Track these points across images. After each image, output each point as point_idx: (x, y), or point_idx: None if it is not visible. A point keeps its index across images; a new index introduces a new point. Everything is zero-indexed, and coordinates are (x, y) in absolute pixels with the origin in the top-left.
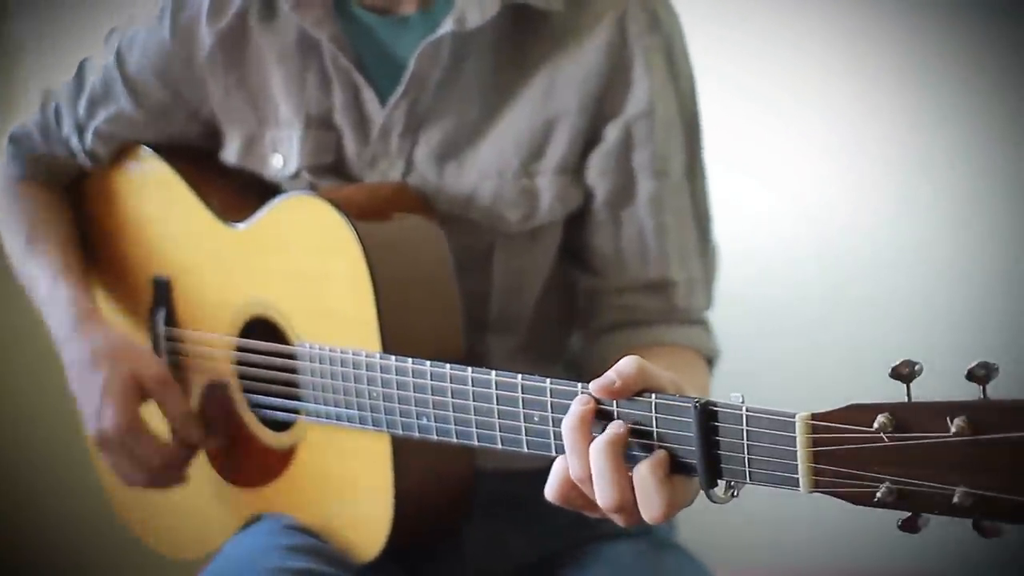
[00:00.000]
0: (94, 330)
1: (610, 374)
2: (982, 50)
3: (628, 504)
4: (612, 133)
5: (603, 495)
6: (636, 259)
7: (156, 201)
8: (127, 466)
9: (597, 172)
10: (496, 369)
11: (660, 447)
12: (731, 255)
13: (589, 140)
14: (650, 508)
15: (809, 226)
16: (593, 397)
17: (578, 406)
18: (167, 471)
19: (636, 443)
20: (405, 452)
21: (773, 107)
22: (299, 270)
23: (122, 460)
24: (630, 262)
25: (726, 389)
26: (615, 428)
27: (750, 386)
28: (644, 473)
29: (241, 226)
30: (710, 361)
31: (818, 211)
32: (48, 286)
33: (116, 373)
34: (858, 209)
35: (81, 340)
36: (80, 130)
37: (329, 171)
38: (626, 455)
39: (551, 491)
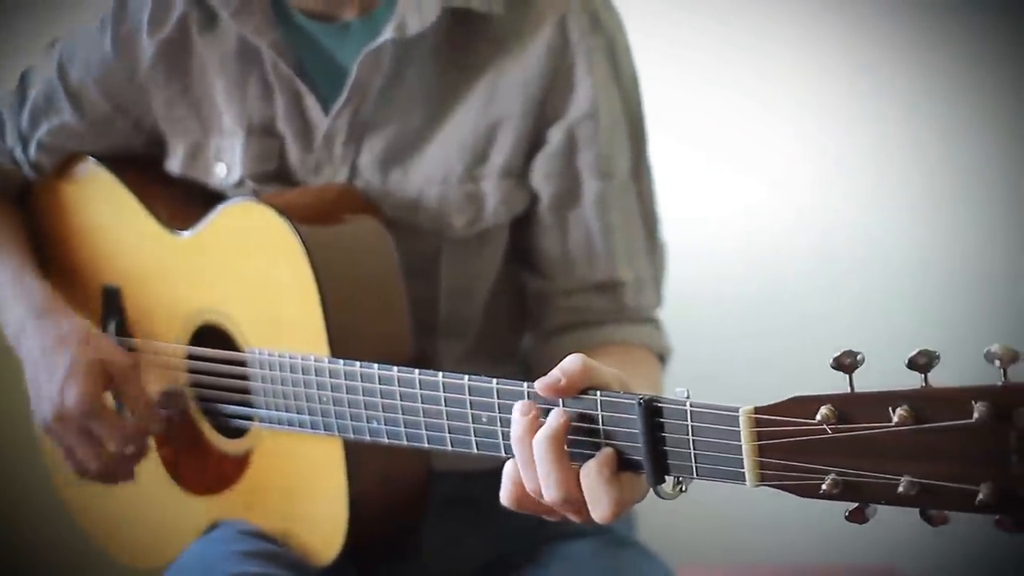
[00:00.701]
0: (61, 317)
1: (555, 372)
2: (980, 47)
3: (574, 499)
4: (556, 136)
5: (549, 491)
6: (584, 260)
7: (103, 211)
8: (82, 450)
9: (542, 175)
10: (447, 372)
11: (607, 444)
12: (701, 252)
13: (533, 143)
14: (598, 507)
15: (778, 223)
16: (536, 405)
17: (520, 416)
18: (121, 460)
19: (583, 441)
20: (358, 455)
21: (750, 99)
22: (246, 276)
23: (79, 442)
24: (578, 263)
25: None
26: (555, 418)
27: (726, 382)
28: (591, 472)
29: (186, 234)
30: (662, 358)
31: (789, 208)
32: (12, 280)
33: (83, 355)
34: (828, 206)
35: (46, 326)
36: (24, 142)
37: (272, 178)
38: (573, 453)
39: (506, 496)
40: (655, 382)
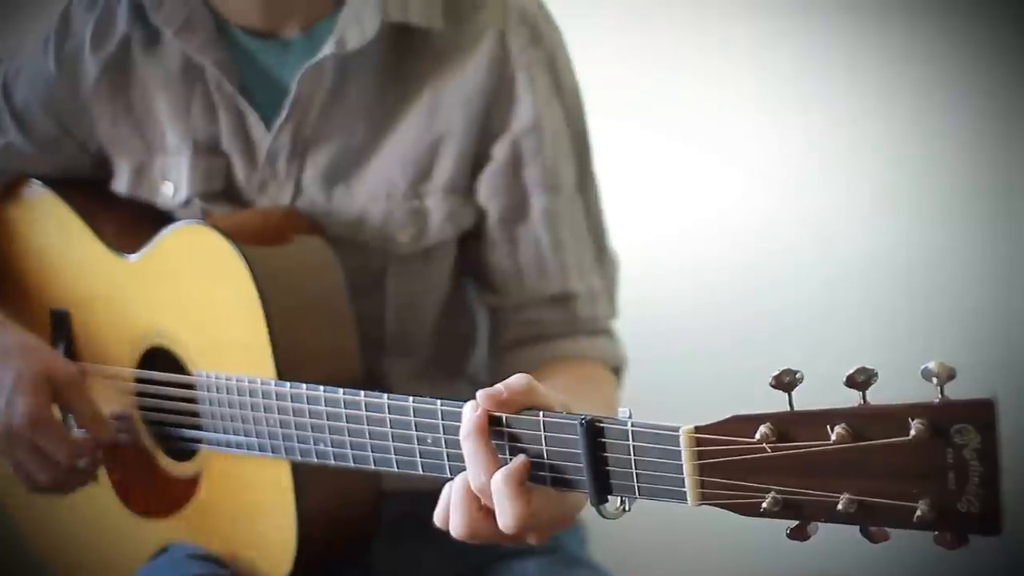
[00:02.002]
0: (3, 331)
1: (499, 386)
2: (981, 47)
3: (526, 522)
4: (500, 151)
5: (475, 479)
6: (535, 274)
7: (50, 234)
8: (32, 464)
9: (488, 191)
10: (397, 390)
11: (550, 464)
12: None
13: (477, 159)
14: (503, 516)
15: (725, 241)
16: (483, 405)
17: (470, 413)
18: (73, 470)
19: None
20: (306, 476)
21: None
22: (192, 299)
23: (28, 457)
24: (529, 277)
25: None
26: (517, 461)
27: (676, 396)
28: (497, 480)
29: (133, 257)
30: (617, 371)
31: (734, 228)
32: None
33: (28, 368)
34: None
35: None
36: None
37: (220, 197)
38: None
39: (438, 516)
40: (608, 396)
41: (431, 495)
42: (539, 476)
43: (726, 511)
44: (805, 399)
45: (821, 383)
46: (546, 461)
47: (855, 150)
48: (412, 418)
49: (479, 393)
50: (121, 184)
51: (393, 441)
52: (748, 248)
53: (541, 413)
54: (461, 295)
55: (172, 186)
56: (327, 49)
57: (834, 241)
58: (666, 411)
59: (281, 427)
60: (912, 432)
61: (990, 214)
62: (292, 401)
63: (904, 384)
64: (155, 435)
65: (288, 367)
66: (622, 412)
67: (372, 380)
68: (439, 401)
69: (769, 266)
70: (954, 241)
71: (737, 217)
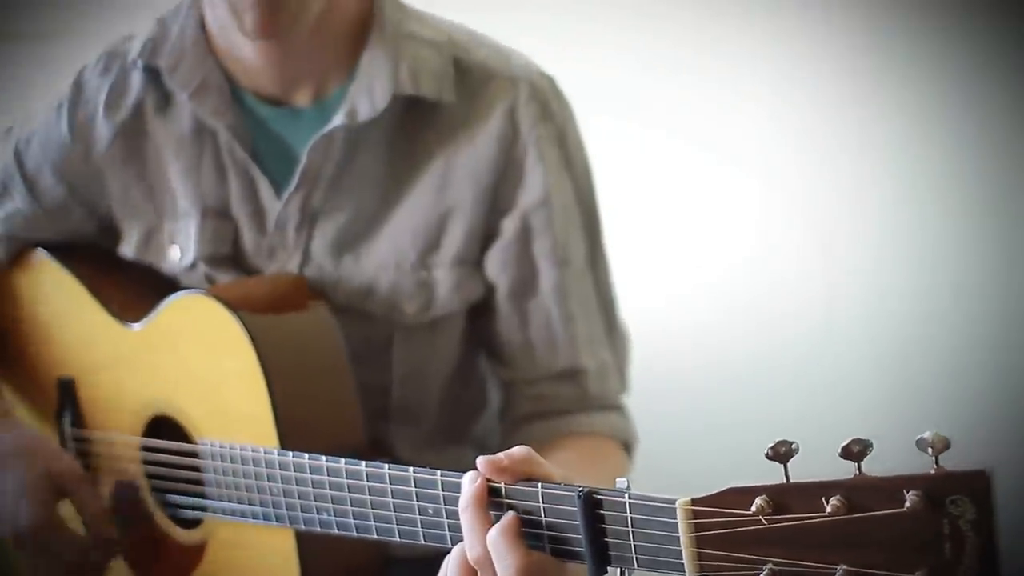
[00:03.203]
0: (5, 429)
1: (500, 454)
2: (982, 49)
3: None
4: (510, 225)
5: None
6: (545, 349)
7: (56, 302)
8: (45, 564)
9: (498, 265)
10: (402, 457)
11: (549, 535)
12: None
13: (486, 233)
14: (504, 571)
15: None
16: (483, 475)
17: (468, 485)
18: (85, 568)
19: (527, 532)
20: (310, 544)
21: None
22: (196, 369)
23: (40, 558)
24: (540, 352)
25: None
26: (507, 516)
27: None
28: (493, 535)
29: (137, 326)
30: (628, 446)
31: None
32: None
33: (31, 471)
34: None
35: None
36: None
37: (226, 261)
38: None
39: None
40: (616, 471)
41: (438, 560)
42: (538, 546)
43: None
44: (801, 470)
45: (817, 453)
46: (545, 532)
47: (860, 172)
48: (413, 488)
49: (479, 460)
50: (129, 248)
51: (395, 511)
52: (745, 313)
53: (540, 484)
54: (469, 364)
55: (179, 249)
56: (338, 120)
57: (833, 304)
58: (662, 478)
59: (284, 496)
60: (907, 503)
61: (992, 277)
62: (295, 471)
63: (899, 454)
64: (160, 502)
65: (291, 436)
66: (620, 483)
67: (377, 448)
68: (439, 472)
69: (764, 335)
70: (954, 310)
71: (738, 272)
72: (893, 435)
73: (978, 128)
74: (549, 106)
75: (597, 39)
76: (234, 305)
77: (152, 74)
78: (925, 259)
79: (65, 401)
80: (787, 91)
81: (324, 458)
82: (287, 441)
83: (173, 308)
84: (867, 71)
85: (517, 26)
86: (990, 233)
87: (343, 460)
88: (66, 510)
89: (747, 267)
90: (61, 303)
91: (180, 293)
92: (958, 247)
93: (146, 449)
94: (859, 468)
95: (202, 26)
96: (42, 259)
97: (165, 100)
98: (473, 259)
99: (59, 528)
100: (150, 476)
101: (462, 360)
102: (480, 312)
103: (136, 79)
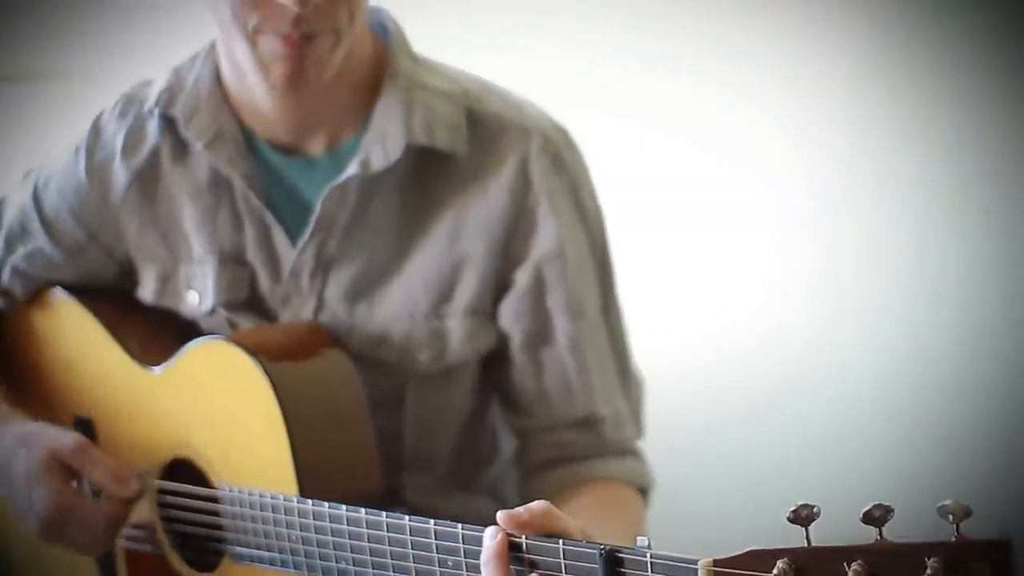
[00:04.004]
0: (7, 426)
1: (520, 508)
2: (991, 49)
3: None
4: (523, 277)
5: None
6: (561, 397)
7: (75, 343)
8: (80, 538)
9: (512, 316)
10: (414, 504)
11: None
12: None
13: (499, 284)
14: None
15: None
16: (504, 530)
17: (489, 540)
18: (116, 527)
19: None
20: None
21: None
22: (216, 414)
23: (73, 535)
24: (556, 401)
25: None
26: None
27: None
28: None
29: (158, 370)
30: (644, 491)
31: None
32: None
33: (33, 458)
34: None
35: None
36: None
37: (244, 306)
38: None
39: None
40: (634, 518)
41: None
42: None
43: None
44: (823, 534)
45: (838, 518)
46: None
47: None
48: (433, 540)
49: (500, 515)
50: (147, 292)
51: (414, 563)
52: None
53: (561, 541)
54: (482, 412)
55: (197, 295)
56: (351, 169)
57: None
58: (678, 524)
59: (303, 543)
60: (928, 570)
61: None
62: (314, 519)
63: (921, 520)
64: (176, 545)
65: (310, 482)
66: (641, 541)
67: (389, 495)
68: (460, 525)
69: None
70: (976, 362)
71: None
72: (914, 502)
73: (982, 128)
74: (562, 157)
75: (597, 39)
76: (256, 352)
77: (168, 123)
78: (942, 293)
79: None
80: (787, 91)
81: (344, 507)
82: (306, 487)
83: (195, 353)
84: (868, 71)
85: (517, 26)
86: None
87: (363, 510)
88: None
89: (752, 278)
90: (80, 342)
91: (202, 339)
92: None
93: (164, 492)
94: (880, 533)
95: (217, 77)
96: (61, 298)
97: (181, 148)
98: (486, 309)
99: (76, 503)
100: (166, 519)
101: (475, 408)
102: (494, 361)
103: (152, 127)
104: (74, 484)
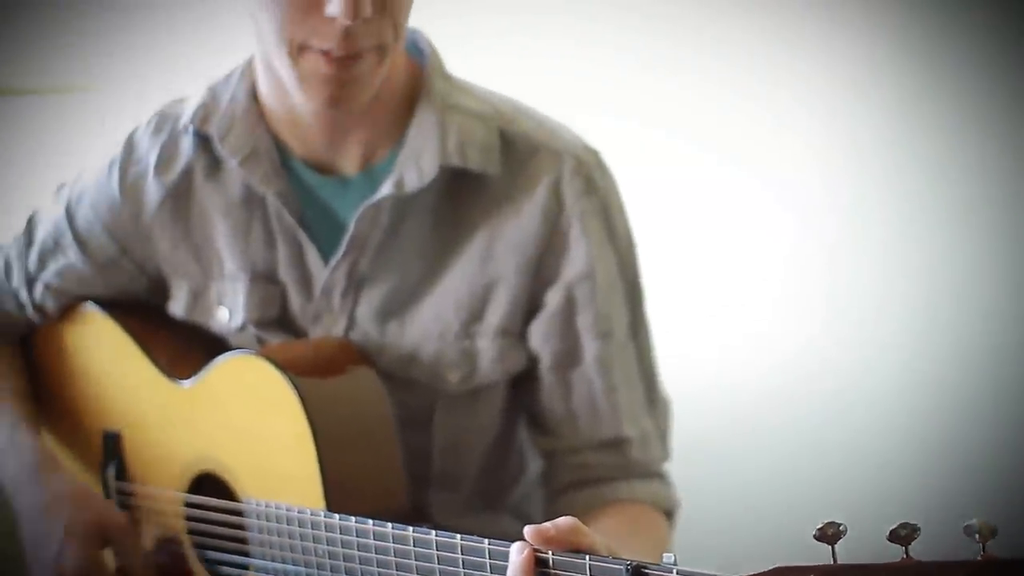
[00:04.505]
0: (56, 476)
1: (547, 524)
2: (991, 45)
3: None
4: (554, 298)
5: None
6: (588, 419)
7: (105, 356)
8: None
9: (541, 337)
10: (440, 522)
11: None
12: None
13: (530, 305)
14: None
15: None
16: (530, 545)
17: (516, 555)
18: None
19: None
20: None
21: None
22: (245, 428)
23: None
24: (583, 422)
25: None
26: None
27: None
28: None
29: (187, 383)
30: (670, 513)
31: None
32: (7, 434)
33: (79, 517)
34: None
35: (41, 485)
36: (30, 283)
37: (275, 324)
38: None
39: None
40: (659, 539)
41: None
42: None
43: None
44: (849, 552)
45: (865, 537)
46: None
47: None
48: (460, 556)
49: (527, 529)
50: (178, 307)
51: None
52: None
53: (588, 556)
54: (509, 432)
55: (227, 311)
56: (385, 190)
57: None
58: (703, 545)
59: (329, 558)
60: None
61: None
62: (341, 533)
63: (947, 539)
64: (202, 559)
65: (337, 498)
66: (667, 557)
67: (416, 512)
68: (487, 540)
69: (813, 416)
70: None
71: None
72: (940, 517)
73: (984, 127)
74: (593, 180)
75: (597, 39)
76: (286, 367)
77: (202, 140)
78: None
79: (110, 453)
80: (787, 91)
81: (371, 522)
82: (333, 503)
83: (225, 367)
84: (868, 70)
85: (518, 26)
86: None
87: (390, 524)
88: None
89: (758, 282)
90: (110, 356)
91: (232, 353)
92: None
93: (190, 505)
94: (906, 552)
95: (253, 94)
96: (92, 312)
97: (215, 165)
98: (516, 330)
99: (102, 574)
100: (193, 532)
101: (502, 428)
102: (522, 381)
103: (186, 144)
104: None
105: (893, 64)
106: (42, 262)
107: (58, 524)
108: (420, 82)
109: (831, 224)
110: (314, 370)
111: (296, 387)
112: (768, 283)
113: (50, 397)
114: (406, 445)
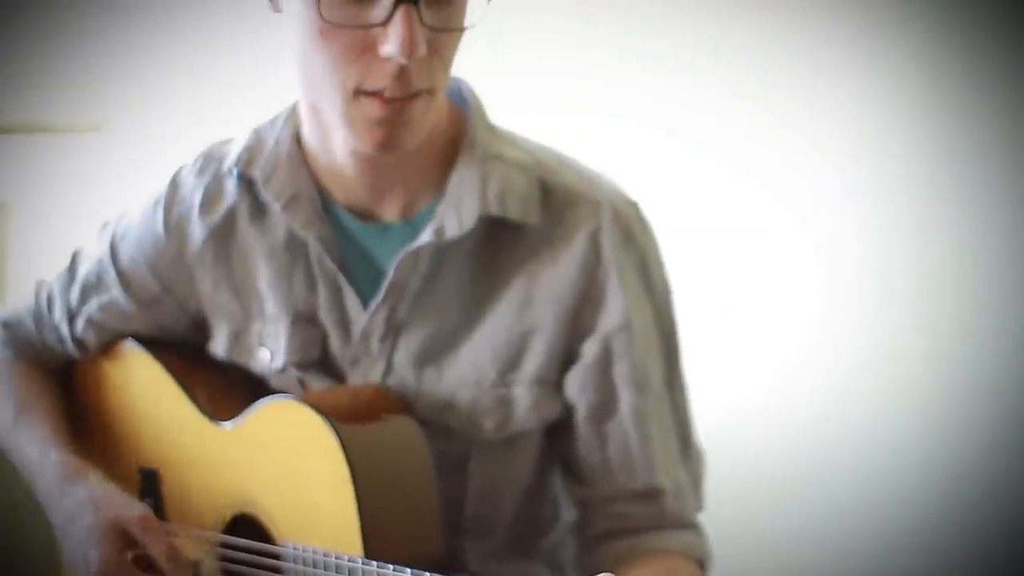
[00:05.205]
0: (77, 484)
1: None
2: (989, 45)
3: None
4: (590, 349)
5: None
6: (623, 469)
7: (144, 394)
8: None
9: (577, 388)
10: (475, 570)
11: None
12: None
13: (567, 355)
14: None
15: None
16: None
17: None
18: None
19: None
20: None
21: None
22: (284, 472)
23: None
24: (617, 472)
25: None
26: None
27: None
28: None
29: (228, 425)
30: (703, 564)
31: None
32: (37, 453)
33: (100, 520)
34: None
35: (66, 497)
36: (71, 317)
37: (315, 366)
38: None
39: None
40: None
41: None
42: None
43: None
44: None
45: None
46: None
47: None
48: None
49: None
50: (219, 347)
51: None
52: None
53: None
54: (543, 480)
55: (268, 352)
56: (425, 237)
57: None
58: None
59: None
60: None
61: None
62: None
63: None
64: None
65: (374, 544)
66: None
67: (451, 559)
68: None
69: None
70: None
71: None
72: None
73: (987, 127)
74: (632, 232)
75: (597, 39)
76: (327, 413)
77: (246, 183)
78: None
79: (147, 491)
80: (787, 91)
81: (409, 570)
82: (370, 548)
83: (266, 411)
84: (869, 70)
85: (518, 27)
86: None
87: (426, 574)
88: None
89: (757, 282)
90: (149, 394)
91: (274, 397)
92: None
93: (225, 546)
94: None
95: (297, 139)
96: (132, 349)
97: (259, 208)
98: (552, 379)
99: (129, 574)
100: (227, 573)
101: (537, 476)
102: (557, 430)
103: (230, 186)
104: (130, 555)
105: (893, 64)
106: (84, 297)
107: (82, 528)
108: (462, 131)
109: (813, 211)
110: (355, 416)
111: (337, 432)
112: (748, 267)
113: (88, 433)
114: (440, 491)
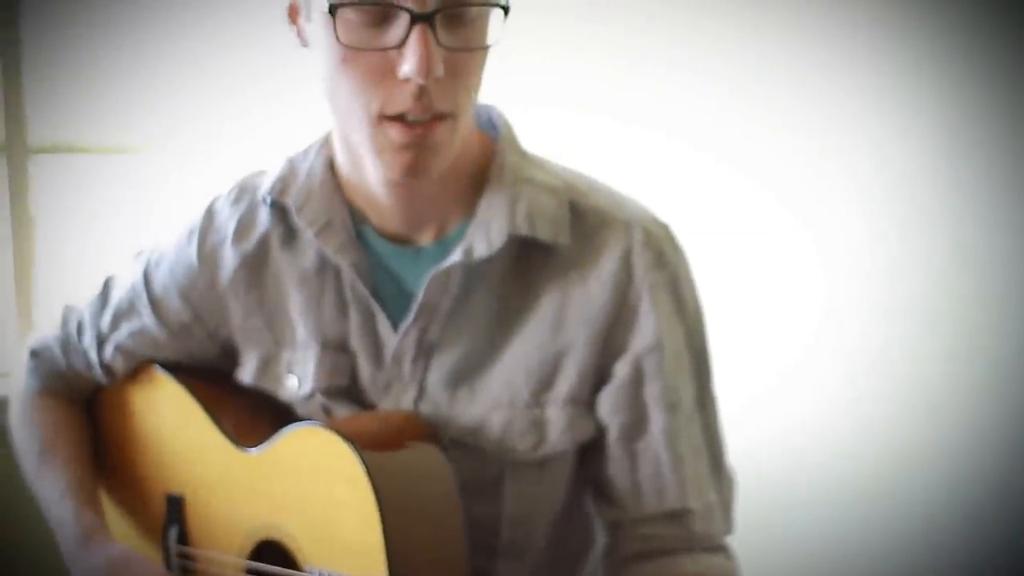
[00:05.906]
0: (98, 547)
1: None
2: (990, 43)
3: None
4: (622, 369)
5: None
6: (653, 490)
7: (171, 421)
8: None
9: (609, 408)
10: None
11: None
12: None
13: (598, 375)
14: None
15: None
16: None
17: None
18: None
19: None
20: None
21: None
22: (310, 497)
23: None
24: (648, 493)
25: None
26: None
27: None
28: None
29: (254, 451)
30: None
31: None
32: (55, 503)
33: None
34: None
35: (87, 558)
36: (100, 343)
37: (343, 394)
38: None
39: None
40: None
41: None
42: None
43: None
44: None
45: None
46: None
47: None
48: None
49: None
50: (247, 374)
51: None
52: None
53: None
54: (577, 503)
55: (296, 380)
56: (455, 257)
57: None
58: None
59: None
60: None
61: None
62: None
63: None
64: None
65: (399, 571)
66: None
67: None
68: None
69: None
70: None
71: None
72: None
73: (988, 126)
74: (663, 253)
75: (597, 39)
76: (353, 440)
77: (279, 210)
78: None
79: (173, 517)
80: (787, 91)
81: None
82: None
83: (293, 438)
84: (869, 70)
85: (518, 27)
86: None
87: None
88: None
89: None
90: (175, 420)
91: (301, 424)
92: None
93: (251, 572)
94: None
95: (331, 166)
96: (158, 375)
97: (290, 235)
98: (585, 399)
99: None
100: None
101: (570, 499)
102: (588, 451)
103: (264, 214)
104: None
105: (894, 64)
106: (115, 323)
107: None
108: (492, 157)
109: (813, 211)
110: (380, 443)
111: (363, 460)
112: (748, 268)
113: (113, 458)
114: (474, 514)
